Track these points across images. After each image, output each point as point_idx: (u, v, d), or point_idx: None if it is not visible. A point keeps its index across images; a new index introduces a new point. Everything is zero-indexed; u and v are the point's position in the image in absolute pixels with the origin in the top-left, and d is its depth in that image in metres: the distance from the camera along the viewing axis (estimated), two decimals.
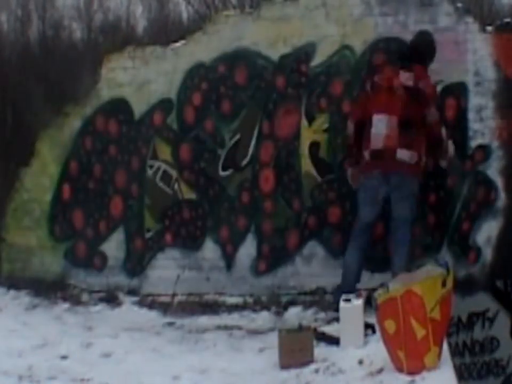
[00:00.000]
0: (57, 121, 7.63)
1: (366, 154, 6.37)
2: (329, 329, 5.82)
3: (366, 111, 6.40)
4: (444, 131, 6.37)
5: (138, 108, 7.27)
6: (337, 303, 5.81)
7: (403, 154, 6.26)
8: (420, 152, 6.30)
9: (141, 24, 13.79)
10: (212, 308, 6.89)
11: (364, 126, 6.40)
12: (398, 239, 6.34)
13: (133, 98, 7.30)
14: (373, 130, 6.34)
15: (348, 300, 5.63)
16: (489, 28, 6.49)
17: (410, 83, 6.31)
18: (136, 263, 7.31)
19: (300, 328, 5.68)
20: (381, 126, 6.32)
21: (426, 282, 4.79)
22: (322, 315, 6.43)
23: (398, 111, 6.30)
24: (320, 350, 5.52)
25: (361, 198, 6.47)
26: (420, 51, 6.43)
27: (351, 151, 6.53)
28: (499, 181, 6.36)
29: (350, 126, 6.50)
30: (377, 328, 5.11)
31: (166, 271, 7.16)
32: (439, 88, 6.45)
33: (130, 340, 6.23)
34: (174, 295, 7.05)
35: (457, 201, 6.47)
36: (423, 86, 6.31)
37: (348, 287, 6.26)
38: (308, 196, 6.82)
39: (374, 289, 5.16)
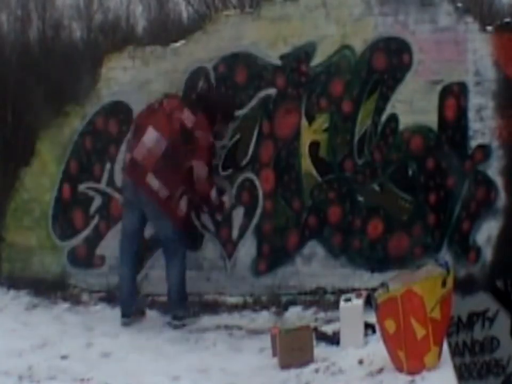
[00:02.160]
0: (57, 121, 7.63)
1: (127, 159, 6.75)
2: (326, 329, 5.83)
3: (146, 121, 6.71)
4: (213, 190, 6.66)
5: (138, 107, 7.26)
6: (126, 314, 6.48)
7: (152, 180, 6.52)
8: (171, 192, 6.54)
9: (140, 24, 13.77)
10: (212, 307, 6.89)
11: (138, 130, 6.73)
12: (169, 256, 6.69)
13: (132, 98, 7.29)
14: (143, 138, 6.62)
15: (348, 300, 5.63)
16: (489, 28, 6.49)
17: (189, 124, 6.57)
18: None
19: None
20: (150, 139, 6.58)
21: (427, 282, 4.80)
22: (322, 315, 6.43)
23: (170, 138, 6.54)
24: (320, 350, 5.52)
25: (122, 207, 6.88)
26: (213, 104, 6.72)
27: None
28: (499, 181, 6.36)
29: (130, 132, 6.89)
30: (377, 328, 5.11)
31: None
32: (439, 88, 6.45)
33: (130, 340, 6.23)
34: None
35: (457, 201, 6.47)
36: (200, 136, 6.53)
37: (125, 303, 6.68)
38: (308, 195, 6.82)
39: (374, 289, 5.15)
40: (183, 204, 6.67)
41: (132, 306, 6.77)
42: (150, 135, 6.62)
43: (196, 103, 6.77)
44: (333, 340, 5.65)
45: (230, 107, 6.84)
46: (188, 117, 6.59)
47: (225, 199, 6.82)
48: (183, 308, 6.69)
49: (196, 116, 6.61)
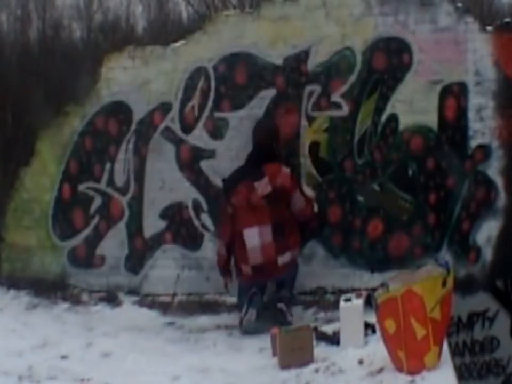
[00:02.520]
0: (57, 121, 7.63)
1: (245, 270, 6.43)
2: (326, 329, 5.83)
3: (235, 228, 6.45)
4: (315, 207, 6.56)
5: (138, 107, 7.27)
6: None
7: (283, 258, 6.36)
8: (295, 247, 6.43)
9: (140, 24, 13.78)
10: (212, 307, 6.89)
11: (235, 237, 6.45)
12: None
13: (132, 98, 7.30)
14: (248, 246, 6.37)
15: (348, 300, 5.63)
16: (489, 28, 6.49)
17: (268, 189, 6.36)
18: (136, 263, 7.31)
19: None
20: (254, 238, 6.36)
21: (427, 282, 4.79)
22: (322, 315, 6.43)
23: (268, 220, 6.34)
24: (320, 349, 5.51)
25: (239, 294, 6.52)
26: (264, 147, 6.48)
27: (225, 269, 6.61)
28: (499, 181, 6.36)
29: (221, 246, 6.60)
30: (377, 328, 5.11)
31: (166, 271, 7.16)
32: (439, 88, 6.45)
33: (130, 340, 6.23)
34: (174, 295, 7.05)
35: (457, 201, 6.47)
36: (280, 183, 6.36)
37: None
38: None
39: (374, 289, 5.15)
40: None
41: None
42: (251, 237, 6.37)
43: (253, 165, 6.46)
44: (333, 339, 5.65)
45: (271, 128, 6.68)
46: (262, 186, 6.36)
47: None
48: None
49: (263, 174, 6.37)
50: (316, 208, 6.60)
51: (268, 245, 6.35)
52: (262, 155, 6.46)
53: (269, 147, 6.50)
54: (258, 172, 6.40)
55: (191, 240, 7.12)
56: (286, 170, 6.45)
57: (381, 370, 4.90)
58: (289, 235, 6.40)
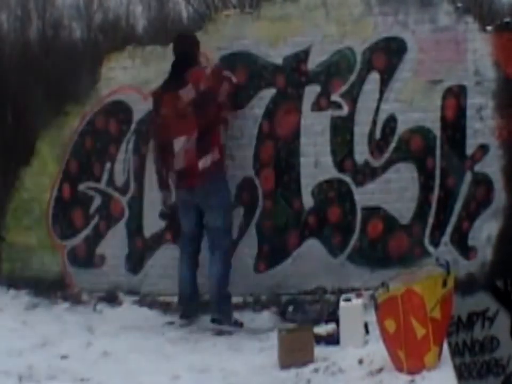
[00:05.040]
0: (57, 121, 7.63)
1: (173, 175, 6.64)
2: (321, 330, 5.82)
3: (166, 135, 6.59)
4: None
5: (138, 107, 7.27)
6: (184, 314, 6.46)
7: (204, 161, 6.44)
8: (215, 151, 6.48)
9: (140, 24, 13.78)
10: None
11: (166, 148, 6.60)
12: (215, 247, 6.53)
13: (132, 98, 7.29)
14: (175, 150, 6.52)
15: (348, 300, 5.63)
16: (489, 28, 6.50)
17: (192, 95, 6.45)
18: (136, 262, 7.31)
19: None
20: (180, 146, 6.50)
21: (427, 282, 4.80)
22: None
23: (195, 127, 6.45)
24: (320, 349, 5.51)
25: (179, 212, 6.75)
26: (185, 54, 6.60)
27: (161, 175, 6.79)
28: (499, 181, 6.37)
29: (156, 151, 6.78)
30: (376, 327, 5.10)
31: (166, 270, 7.16)
32: (439, 88, 6.45)
33: (130, 340, 6.23)
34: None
35: (457, 201, 6.47)
36: (204, 86, 6.45)
37: (185, 300, 6.62)
38: (308, 195, 6.82)
39: (374, 289, 5.15)
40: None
41: (192, 307, 6.69)
42: (178, 143, 6.52)
43: (175, 74, 6.60)
44: (329, 340, 5.64)
45: (189, 38, 6.82)
46: (186, 92, 6.48)
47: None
48: (221, 311, 6.49)
49: (187, 81, 6.49)
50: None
51: (191, 149, 6.47)
52: (183, 63, 6.60)
53: (189, 55, 6.64)
54: (182, 80, 6.51)
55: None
56: (207, 71, 6.60)
57: (380, 370, 4.90)
58: (211, 140, 6.49)
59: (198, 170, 6.45)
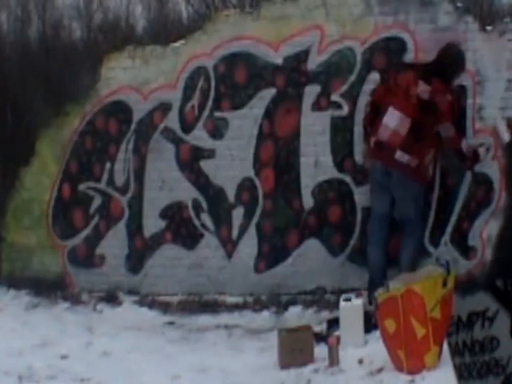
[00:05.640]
0: (57, 121, 7.63)
1: (371, 141, 6.42)
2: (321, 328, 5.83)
3: (385, 100, 6.39)
4: (464, 144, 6.34)
5: (138, 107, 7.27)
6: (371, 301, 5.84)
7: (401, 156, 6.27)
8: (420, 160, 6.29)
9: (140, 24, 13.78)
10: (212, 307, 6.89)
11: (379, 111, 6.40)
12: (405, 237, 6.34)
13: (132, 98, 7.30)
14: (385, 120, 6.33)
15: (348, 300, 5.63)
16: (489, 28, 6.50)
17: (425, 96, 6.30)
18: (136, 262, 7.32)
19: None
20: (393, 120, 6.32)
21: (427, 282, 4.80)
22: (322, 314, 6.43)
23: (412, 115, 6.28)
24: (320, 349, 5.51)
25: (371, 189, 6.52)
26: (443, 64, 6.38)
27: (366, 130, 6.56)
28: (499, 181, 6.36)
29: (367, 107, 6.56)
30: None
31: (166, 270, 7.16)
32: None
33: (130, 339, 6.23)
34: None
35: (457, 201, 6.47)
36: (439, 101, 6.28)
37: (376, 286, 5.94)
38: (308, 195, 6.82)
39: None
40: (430, 169, 6.45)
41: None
42: (392, 116, 6.32)
43: (428, 71, 6.38)
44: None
45: (459, 59, 6.49)
46: (423, 90, 6.30)
47: (481, 151, 6.47)
48: None
49: (431, 84, 6.31)
50: (465, 148, 6.41)
51: (400, 131, 6.28)
52: (436, 68, 6.34)
53: (444, 67, 6.35)
54: (428, 79, 6.29)
55: (191, 239, 7.12)
56: (448, 95, 6.32)
57: (380, 370, 4.91)
58: (419, 145, 6.28)
59: (393, 156, 6.29)
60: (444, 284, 4.75)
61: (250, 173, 6.96)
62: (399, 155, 6.27)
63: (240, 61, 6.97)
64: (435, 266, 5.03)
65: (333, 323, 5.86)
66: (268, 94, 6.91)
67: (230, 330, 6.44)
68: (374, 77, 6.65)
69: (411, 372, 4.74)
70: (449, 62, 6.38)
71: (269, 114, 6.91)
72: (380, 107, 6.41)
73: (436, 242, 6.53)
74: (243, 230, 6.98)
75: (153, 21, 13.39)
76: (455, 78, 6.41)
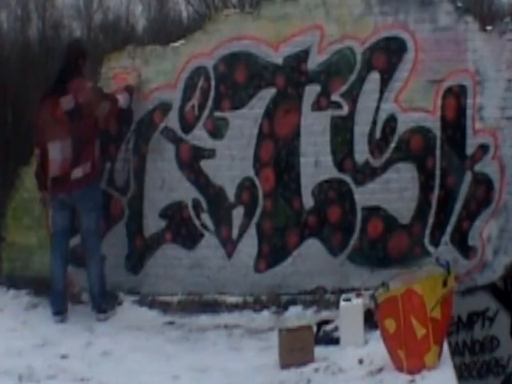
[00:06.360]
0: None
1: (48, 180, 6.83)
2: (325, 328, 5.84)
3: (43, 139, 6.81)
4: (122, 101, 6.90)
5: (138, 107, 7.26)
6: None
7: (77, 172, 6.70)
8: (92, 158, 6.74)
9: (140, 24, 13.81)
10: (212, 307, 6.89)
11: (44, 152, 6.81)
12: (89, 249, 6.91)
13: (132, 98, 7.29)
14: (51, 157, 6.75)
15: (348, 300, 5.64)
16: (489, 28, 6.50)
17: (71, 105, 6.68)
18: (136, 262, 7.31)
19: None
20: (57, 153, 6.74)
21: (427, 282, 4.80)
22: (322, 314, 6.43)
23: (68, 133, 6.68)
24: (320, 349, 5.52)
25: (52, 208, 6.97)
26: (72, 63, 6.82)
27: (40, 178, 6.96)
28: (499, 181, 6.37)
29: (36, 154, 6.95)
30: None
31: (166, 270, 7.16)
32: (439, 88, 6.45)
33: (130, 339, 6.23)
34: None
35: (457, 201, 6.47)
36: (84, 97, 6.67)
37: (57, 295, 6.89)
38: (308, 195, 6.82)
39: (374, 289, 5.15)
40: (99, 153, 6.89)
41: (63, 304, 6.91)
42: (55, 150, 6.74)
43: (60, 82, 6.82)
44: (332, 339, 5.65)
45: (77, 47, 7.10)
46: (66, 101, 6.69)
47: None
48: (106, 301, 6.91)
49: (69, 91, 6.70)
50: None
51: (66, 159, 6.71)
52: (68, 71, 6.82)
53: (75, 64, 6.84)
54: (64, 88, 6.76)
55: (191, 239, 7.12)
56: (88, 85, 6.81)
57: (380, 369, 4.91)
58: (84, 151, 6.73)
59: (70, 179, 6.72)
60: (444, 283, 4.76)
61: (251, 172, 6.96)
62: (75, 172, 6.72)
63: (240, 61, 6.97)
64: (435, 266, 5.03)
65: (322, 325, 5.88)
66: (268, 94, 6.90)
67: (230, 330, 6.44)
68: (374, 76, 6.65)
69: (411, 372, 4.74)
70: (74, 57, 6.85)
71: (269, 114, 6.90)
72: (44, 150, 6.80)
73: (436, 242, 6.53)
74: (243, 229, 6.98)
75: (153, 20, 13.41)
76: (85, 63, 6.90)
